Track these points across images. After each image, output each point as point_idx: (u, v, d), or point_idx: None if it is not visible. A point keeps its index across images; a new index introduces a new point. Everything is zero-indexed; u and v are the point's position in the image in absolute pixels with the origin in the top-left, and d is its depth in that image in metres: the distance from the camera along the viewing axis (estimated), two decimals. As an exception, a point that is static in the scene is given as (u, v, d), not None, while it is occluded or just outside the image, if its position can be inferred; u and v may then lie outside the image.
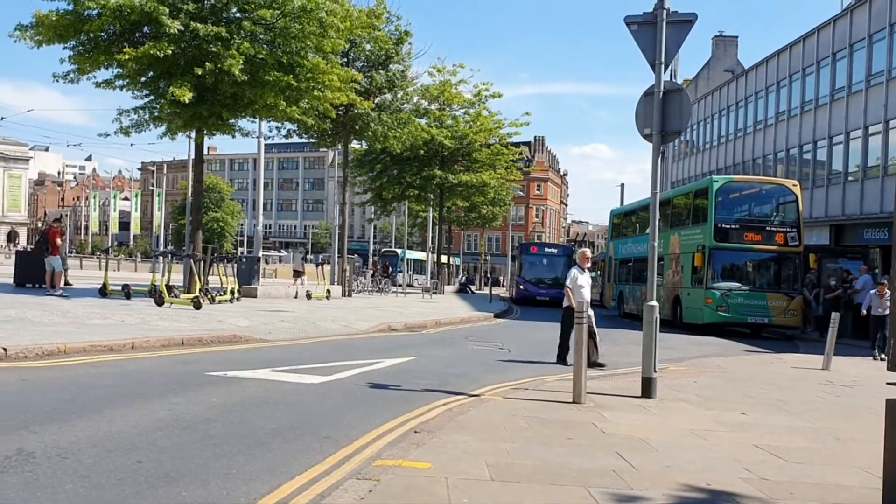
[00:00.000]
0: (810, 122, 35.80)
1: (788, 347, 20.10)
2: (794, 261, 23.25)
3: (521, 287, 39.41)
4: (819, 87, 35.38)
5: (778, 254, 23.26)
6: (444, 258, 51.32)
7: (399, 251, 62.83)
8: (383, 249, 61.38)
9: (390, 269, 49.23)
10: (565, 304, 12.52)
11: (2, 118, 44.32)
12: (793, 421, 8.31)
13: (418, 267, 62.02)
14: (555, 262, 39.14)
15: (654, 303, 9.06)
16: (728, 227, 23.03)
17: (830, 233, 33.65)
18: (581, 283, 12.24)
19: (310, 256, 41.31)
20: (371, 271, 44.34)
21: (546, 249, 43.65)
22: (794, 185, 24.35)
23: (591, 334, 12.06)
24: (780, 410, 9.02)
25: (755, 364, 15.07)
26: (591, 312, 12.04)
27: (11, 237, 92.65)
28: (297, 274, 30.04)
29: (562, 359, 12.62)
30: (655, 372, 9.11)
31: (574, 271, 12.54)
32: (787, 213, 23.93)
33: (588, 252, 13.16)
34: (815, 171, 35.69)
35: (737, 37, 59.52)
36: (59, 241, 19.24)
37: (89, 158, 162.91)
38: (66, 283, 20.29)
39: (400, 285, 42.49)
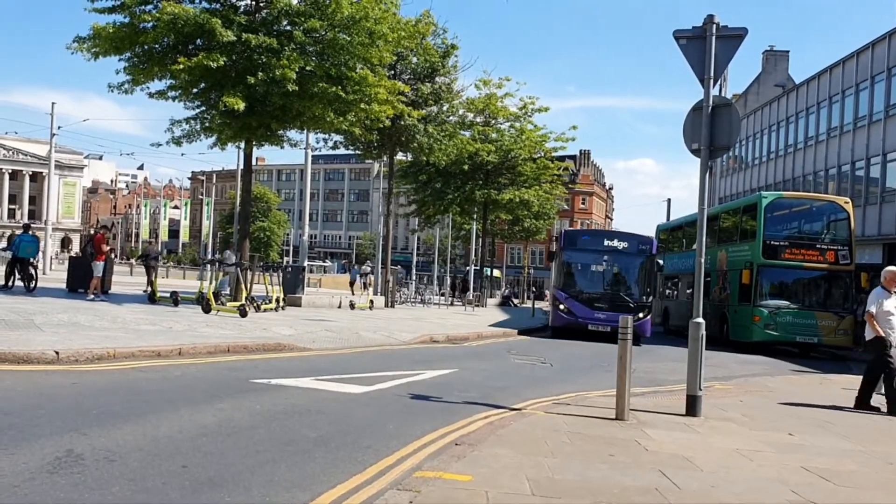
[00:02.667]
0: (863, 139, 35.01)
1: (839, 368, 19.58)
2: (844, 279, 22.75)
3: (562, 307, 23.08)
4: (873, 103, 34.58)
5: (828, 272, 22.77)
6: (486, 271, 51.14)
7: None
8: (464, 268, 61.88)
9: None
10: (869, 335, 10.55)
11: (59, 127, 45.88)
12: (842, 443, 8.11)
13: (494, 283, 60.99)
14: (624, 264, 23.53)
15: (701, 320, 8.93)
16: (777, 243, 22.62)
17: (884, 252, 32.76)
18: (888, 310, 10.33)
19: (369, 266, 41.23)
20: (416, 284, 44.21)
21: (607, 242, 23.89)
22: (846, 203, 23.85)
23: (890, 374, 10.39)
24: (829, 432, 8.81)
25: (803, 384, 14.76)
26: None
27: (65, 243, 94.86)
28: (362, 285, 30.35)
29: (864, 402, 10.76)
30: (701, 390, 8.98)
31: (878, 294, 10.52)
32: (839, 230, 23.44)
33: None
34: (868, 189, 34.85)
35: (788, 51, 58.35)
36: (104, 246, 19.61)
37: (141, 167, 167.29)
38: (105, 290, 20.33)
39: (471, 302, 39.33)
